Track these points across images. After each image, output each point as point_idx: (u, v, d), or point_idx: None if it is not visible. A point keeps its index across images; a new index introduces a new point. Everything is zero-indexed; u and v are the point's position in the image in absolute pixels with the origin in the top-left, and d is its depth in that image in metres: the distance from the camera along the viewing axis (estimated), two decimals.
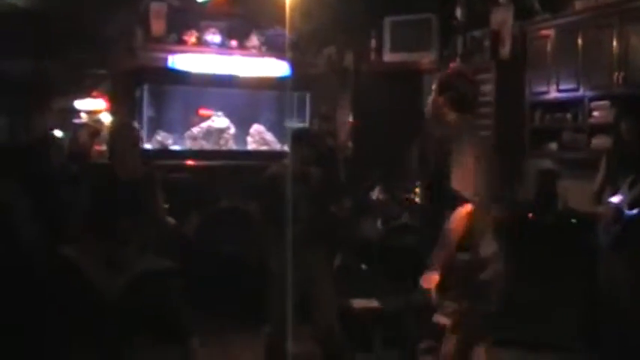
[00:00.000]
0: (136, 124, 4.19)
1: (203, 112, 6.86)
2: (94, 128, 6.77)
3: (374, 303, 5.52)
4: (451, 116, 3.62)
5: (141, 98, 6.51)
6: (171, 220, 3.96)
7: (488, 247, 3.47)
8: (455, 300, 3.48)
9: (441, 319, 3.55)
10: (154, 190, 4.01)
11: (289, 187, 4.88)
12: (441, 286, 3.43)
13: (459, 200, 3.39)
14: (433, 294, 3.45)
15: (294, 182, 4.93)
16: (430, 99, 3.72)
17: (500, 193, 3.68)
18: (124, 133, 4.09)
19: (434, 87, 3.72)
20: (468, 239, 3.40)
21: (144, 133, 6.45)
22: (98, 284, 3.64)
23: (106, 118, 6.99)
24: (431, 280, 3.43)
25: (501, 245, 3.54)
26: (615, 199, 4.52)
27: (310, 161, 5.03)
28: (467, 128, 3.60)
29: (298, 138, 5.12)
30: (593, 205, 4.81)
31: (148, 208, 3.90)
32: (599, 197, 4.78)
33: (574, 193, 5.71)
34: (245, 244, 5.35)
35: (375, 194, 6.32)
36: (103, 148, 6.74)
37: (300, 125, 6.99)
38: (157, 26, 6.50)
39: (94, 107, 7.47)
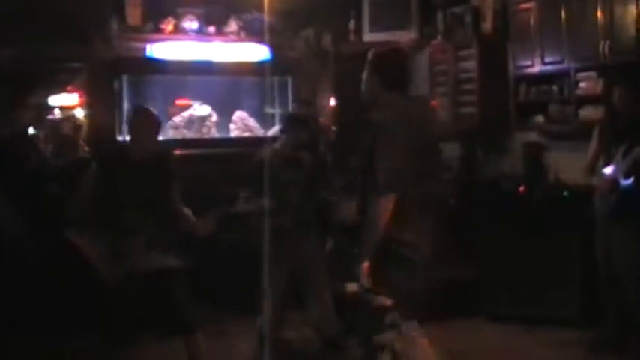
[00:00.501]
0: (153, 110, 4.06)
1: (180, 102, 6.76)
2: (78, 122, 6.62)
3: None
4: (383, 96, 3.54)
5: (120, 90, 6.38)
6: (190, 215, 3.89)
7: (416, 228, 3.39)
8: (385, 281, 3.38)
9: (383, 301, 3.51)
10: (170, 180, 3.92)
11: (280, 172, 4.87)
12: (373, 271, 3.33)
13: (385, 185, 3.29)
14: (364, 280, 3.36)
15: (286, 167, 4.91)
16: (364, 78, 3.63)
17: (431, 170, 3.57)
18: (142, 117, 3.97)
19: (366, 65, 3.63)
20: (396, 224, 3.27)
21: (125, 125, 6.36)
22: (100, 270, 3.57)
23: (80, 114, 6.84)
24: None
25: (433, 220, 3.47)
26: (609, 170, 4.53)
27: (302, 146, 5.00)
28: (400, 108, 3.49)
29: (291, 123, 5.07)
30: (587, 177, 4.82)
31: (162, 199, 3.82)
32: (593, 169, 4.79)
33: (563, 166, 5.73)
34: (240, 232, 5.28)
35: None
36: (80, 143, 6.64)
37: (279, 110, 6.95)
38: (134, 15, 6.34)
39: (68, 102, 7.30)
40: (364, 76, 3.64)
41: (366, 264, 3.32)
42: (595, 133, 4.77)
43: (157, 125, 3.98)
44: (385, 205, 3.24)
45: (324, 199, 5.19)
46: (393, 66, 3.62)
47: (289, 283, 4.94)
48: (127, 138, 4.05)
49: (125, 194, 3.71)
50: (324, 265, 5.10)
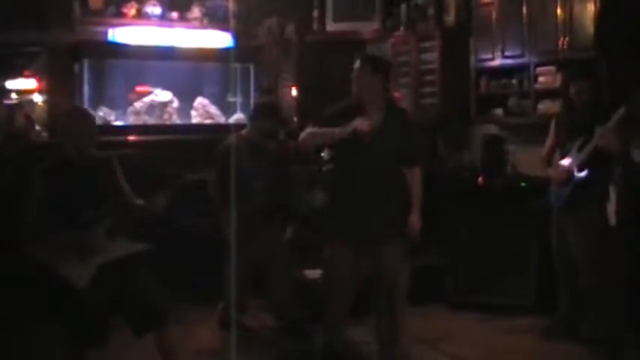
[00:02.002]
0: (88, 110, 3.98)
1: (140, 88, 6.70)
2: (34, 106, 6.52)
3: None
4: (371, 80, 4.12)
5: (80, 74, 6.27)
6: (137, 200, 3.83)
7: None
8: None
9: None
10: (113, 169, 3.85)
11: (246, 159, 4.88)
12: None
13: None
14: None
15: (252, 155, 4.92)
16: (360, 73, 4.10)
17: None
18: (76, 119, 3.85)
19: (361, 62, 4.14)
20: None
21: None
22: (69, 276, 3.50)
23: (38, 99, 6.74)
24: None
25: None
26: (565, 162, 4.65)
27: (269, 134, 5.03)
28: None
29: (260, 111, 5.10)
30: (543, 169, 4.94)
31: (110, 190, 3.75)
32: (549, 161, 4.91)
33: (522, 158, 5.86)
34: (201, 218, 5.29)
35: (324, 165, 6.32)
36: (37, 129, 6.54)
37: (241, 98, 6.93)
38: None
39: (25, 87, 7.18)
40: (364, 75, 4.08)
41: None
42: (552, 126, 4.89)
43: (92, 123, 3.87)
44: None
45: (288, 187, 5.22)
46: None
47: (251, 269, 4.97)
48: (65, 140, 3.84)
49: (76, 196, 3.63)
50: (286, 252, 5.15)
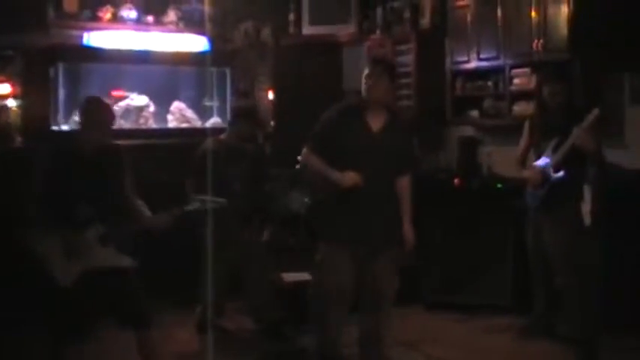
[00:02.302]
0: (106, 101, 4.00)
1: (116, 93, 6.65)
2: (10, 111, 6.44)
3: (305, 276, 5.55)
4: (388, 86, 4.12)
5: (55, 78, 6.22)
6: (143, 207, 3.84)
7: None
8: None
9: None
10: (121, 171, 3.85)
11: (225, 163, 4.87)
12: None
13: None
14: None
15: (231, 158, 4.92)
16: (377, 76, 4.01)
17: None
18: (96, 107, 3.87)
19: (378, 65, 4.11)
20: None
21: (60, 115, 6.24)
22: (54, 273, 3.50)
23: (12, 104, 6.67)
24: None
25: None
26: (540, 163, 4.69)
27: (246, 138, 5.03)
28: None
29: (237, 114, 5.11)
30: (518, 170, 4.97)
31: (115, 191, 3.75)
32: (524, 161, 4.96)
33: (497, 159, 5.90)
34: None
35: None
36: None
37: (217, 102, 6.92)
38: (70, 1, 6.19)
39: None
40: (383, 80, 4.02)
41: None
42: (525, 127, 4.93)
43: (111, 116, 3.91)
44: None
45: (265, 190, 5.22)
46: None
47: (228, 272, 4.96)
48: (79, 128, 3.90)
49: (76, 188, 3.63)
50: (264, 255, 5.15)
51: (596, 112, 4.38)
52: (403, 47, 6.46)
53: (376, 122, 4.03)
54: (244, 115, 5.10)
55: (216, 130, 5.56)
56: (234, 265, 4.99)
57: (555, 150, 4.60)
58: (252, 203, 5.02)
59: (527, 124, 4.93)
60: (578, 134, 4.41)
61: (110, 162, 3.78)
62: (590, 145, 4.41)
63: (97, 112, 3.81)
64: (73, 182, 3.63)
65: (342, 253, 4.01)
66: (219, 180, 4.65)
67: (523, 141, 4.95)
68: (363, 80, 4.02)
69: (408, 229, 4.11)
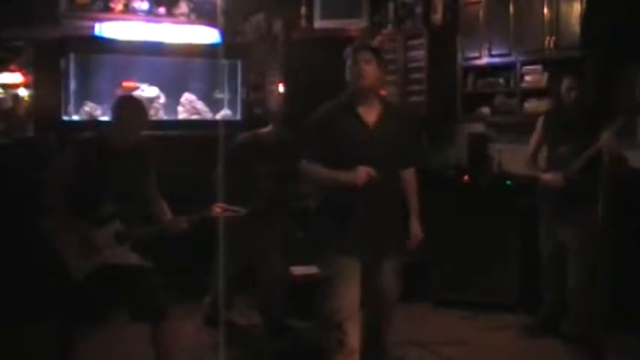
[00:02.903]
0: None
1: (126, 84, 6.66)
2: (22, 101, 6.49)
3: (313, 269, 5.56)
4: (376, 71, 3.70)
5: (66, 69, 6.24)
6: (165, 208, 3.87)
7: None
8: None
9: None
10: (149, 168, 3.87)
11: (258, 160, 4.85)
12: None
13: None
14: None
15: (267, 155, 4.87)
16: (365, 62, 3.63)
17: None
18: (131, 106, 3.86)
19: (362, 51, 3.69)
20: None
21: (71, 106, 6.26)
22: (69, 264, 3.53)
23: (24, 93, 6.71)
24: None
25: None
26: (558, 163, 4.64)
27: (284, 141, 4.91)
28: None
29: (286, 118, 5.05)
30: (531, 168, 4.93)
31: (140, 190, 3.77)
32: (535, 159, 4.92)
33: (507, 156, 5.88)
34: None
35: None
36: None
37: (228, 94, 6.92)
38: None
39: (10, 81, 7.14)
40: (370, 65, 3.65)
41: None
42: (539, 125, 4.89)
43: (145, 115, 3.86)
44: None
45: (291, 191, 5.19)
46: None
47: (240, 266, 4.95)
48: (113, 126, 3.81)
49: (103, 185, 3.64)
50: (277, 249, 5.14)
51: (623, 117, 4.35)
52: (415, 42, 6.44)
53: (370, 115, 3.68)
54: (288, 120, 5.05)
55: (226, 123, 5.55)
56: (247, 259, 4.98)
57: (576, 153, 4.53)
58: (276, 201, 4.99)
59: (540, 121, 4.88)
60: (607, 139, 4.32)
61: (139, 160, 3.78)
62: (617, 150, 4.37)
63: (132, 113, 3.77)
64: (99, 179, 3.63)
65: (351, 264, 3.69)
66: (247, 175, 4.64)
67: (534, 138, 4.90)
68: (348, 71, 3.69)
69: (415, 225, 3.91)
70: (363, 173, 3.51)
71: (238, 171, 4.47)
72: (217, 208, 3.97)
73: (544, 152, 4.88)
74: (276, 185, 4.91)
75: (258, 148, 4.86)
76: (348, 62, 3.69)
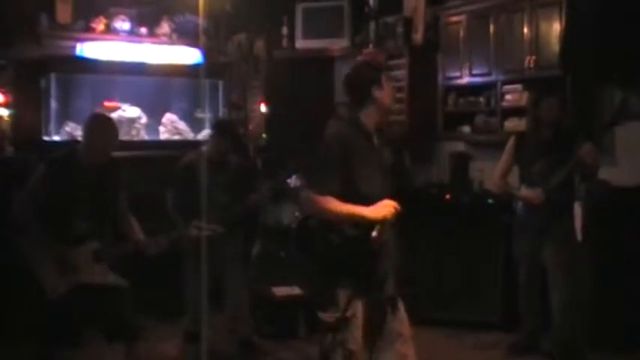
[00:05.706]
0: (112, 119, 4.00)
1: (108, 104, 6.65)
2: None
3: (295, 290, 5.55)
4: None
5: (47, 88, 6.23)
6: (136, 226, 3.85)
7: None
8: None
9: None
10: (118, 187, 3.87)
11: (205, 175, 4.85)
12: None
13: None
14: None
15: (212, 170, 4.90)
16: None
17: None
18: (101, 124, 3.88)
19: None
20: None
21: (51, 125, 6.23)
22: (44, 284, 3.50)
23: (4, 112, 6.66)
24: None
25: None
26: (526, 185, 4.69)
27: (229, 150, 5.04)
28: None
29: (217, 128, 5.12)
30: (500, 185, 4.95)
31: (111, 208, 3.75)
32: (506, 179, 4.93)
33: (488, 175, 5.89)
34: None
35: (293, 182, 6.33)
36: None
37: (210, 114, 6.91)
38: (64, 12, 6.23)
39: None
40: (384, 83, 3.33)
41: None
42: (510, 143, 4.90)
43: (116, 134, 3.90)
44: None
45: (253, 202, 5.20)
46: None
47: (210, 284, 4.93)
48: (83, 144, 3.87)
49: (75, 203, 3.63)
50: (243, 268, 5.16)
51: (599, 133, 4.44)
52: (396, 62, 6.46)
53: (375, 139, 3.37)
54: (222, 128, 5.13)
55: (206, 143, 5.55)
56: (214, 275, 4.97)
57: (552, 169, 4.57)
58: (234, 215, 5.00)
59: (512, 140, 4.91)
60: (588, 150, 4.36)
61: (110, 178, 3.80)
62: (597, 161, 4.41)
63: (103, 130, 3.80)
64: (72, 197, 3.62)
65: (360, 302, 3.29)
66: (198, 192, 4.65)
67: (505, 158, 4.91)
68: (378, 89, 3.24)
69: None
70: (390, 208, 3.16)
71: (191, 189, 4.47)
72: (194, 228, 3.96)
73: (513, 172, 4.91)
74: (228, 199, 4.93)
75: (201, 165, 4.89)
76: (377, 80, 3.29)
